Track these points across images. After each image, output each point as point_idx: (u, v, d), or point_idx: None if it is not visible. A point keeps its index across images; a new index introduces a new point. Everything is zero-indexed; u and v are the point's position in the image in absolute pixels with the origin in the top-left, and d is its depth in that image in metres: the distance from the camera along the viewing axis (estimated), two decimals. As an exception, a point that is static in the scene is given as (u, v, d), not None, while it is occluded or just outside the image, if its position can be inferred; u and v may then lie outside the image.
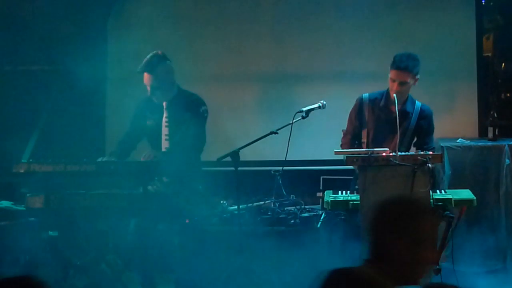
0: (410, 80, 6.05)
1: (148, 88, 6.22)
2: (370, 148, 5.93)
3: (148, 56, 6.21)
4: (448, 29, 7.73)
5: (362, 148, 6.08)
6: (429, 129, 6.25)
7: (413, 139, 6.21)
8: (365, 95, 6.23)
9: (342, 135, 6.35)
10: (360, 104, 6.26)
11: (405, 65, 6.02)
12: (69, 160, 5.67)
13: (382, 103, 6.18)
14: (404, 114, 6.14)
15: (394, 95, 5.93)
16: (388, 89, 6.15)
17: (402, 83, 6.03)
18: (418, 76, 6.12)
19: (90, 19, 7.38)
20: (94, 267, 5.69)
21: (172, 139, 6.22)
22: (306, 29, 7.91)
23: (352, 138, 6.25)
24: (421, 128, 6.17)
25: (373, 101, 6.23)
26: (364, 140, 6.22)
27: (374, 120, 6.20)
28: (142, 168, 5.73)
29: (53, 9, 7.06)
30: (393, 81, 6.05)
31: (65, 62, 7.47)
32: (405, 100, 6.16)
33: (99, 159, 6.00)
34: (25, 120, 7.49)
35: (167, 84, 6.25)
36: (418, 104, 6.21)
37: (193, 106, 6.26)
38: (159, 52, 6.24)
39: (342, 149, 6.12)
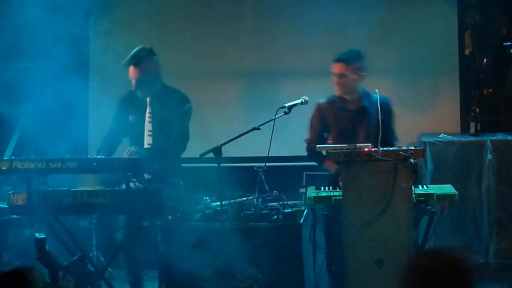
0: (347, 73, 6.05)
1: (133, 82, 6.17)
2: None
3: (135, 50, 6.16)
4: (430, 24, 7.74)
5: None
6: (391, 120, 6.14)
7: (379, 133, 5.88)
8: (322, 99, 6.23)
9: (305, 145, 6.33)
10: (319, 109, 6.26)
11: (340, 58, 6.08)
12: (51, 158, 5.63)
13: (338, 104, 6.18)
14: (362, 110, 6.12)
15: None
16: None
17: (339, 76, 6.07)
18: (362, 72, 6.10)
19: (72, 16, 7.34)
20: (80, 266, 5.64)
21: (155, 135, 6.19)
22: (289, 26, 7.92)
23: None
24: (384, 121, 5.95)
25: (330, 103, 6.23)
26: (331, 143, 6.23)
27: (335, 122, 6.20)
28: (125, 165, 5.68)
29: (35, 7, 7.02)
30: (333, 74, 6.13)
31: (47, 60, 7.43)
32: (359, 96, 6.15)
33: (89, 156, 5.98)
34: (7, 117, 7.45)
35: (153, 78, 6.20)
36: (375, 96, 6.04)
37: (177, 103, 6.22)
38: (147, 46, 6.19)
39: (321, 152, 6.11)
